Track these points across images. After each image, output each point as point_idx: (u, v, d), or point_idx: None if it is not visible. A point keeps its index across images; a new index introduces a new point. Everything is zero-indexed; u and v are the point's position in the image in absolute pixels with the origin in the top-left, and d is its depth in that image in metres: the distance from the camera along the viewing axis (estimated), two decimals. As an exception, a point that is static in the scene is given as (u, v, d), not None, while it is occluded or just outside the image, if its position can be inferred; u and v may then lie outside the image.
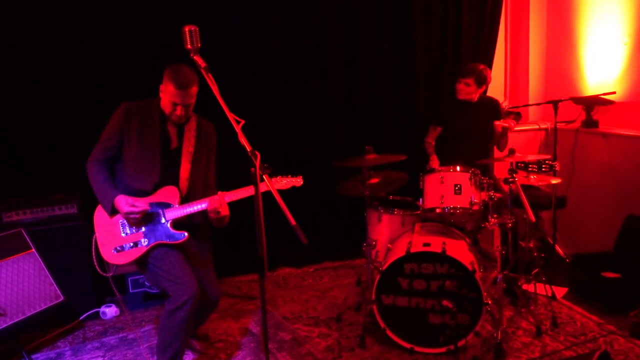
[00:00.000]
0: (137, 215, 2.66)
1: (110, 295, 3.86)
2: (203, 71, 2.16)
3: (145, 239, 2.70)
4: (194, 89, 2.67)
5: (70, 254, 3.54)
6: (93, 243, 2.74)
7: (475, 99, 3.95)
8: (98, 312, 3.68)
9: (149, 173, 2.73)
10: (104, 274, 2.81)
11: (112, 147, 2.75)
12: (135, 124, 2.72)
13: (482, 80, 3.89)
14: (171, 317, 2.61)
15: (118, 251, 2.70)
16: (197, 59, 2.19)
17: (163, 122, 2.77)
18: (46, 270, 3.33)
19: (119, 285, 3.75)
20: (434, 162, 4.00)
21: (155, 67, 3.00)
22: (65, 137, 3.76)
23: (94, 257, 2.73)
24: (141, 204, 2.66)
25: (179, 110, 2.68)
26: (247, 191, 2.70)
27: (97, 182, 2.72)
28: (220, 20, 4.02)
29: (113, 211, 2.69)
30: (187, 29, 2.20)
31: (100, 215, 2.77)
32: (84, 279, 3.61)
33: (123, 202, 2.64)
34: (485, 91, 4.79)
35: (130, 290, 3.77)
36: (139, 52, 3.81)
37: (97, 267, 2.76)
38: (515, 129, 4.84)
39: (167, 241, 2.71)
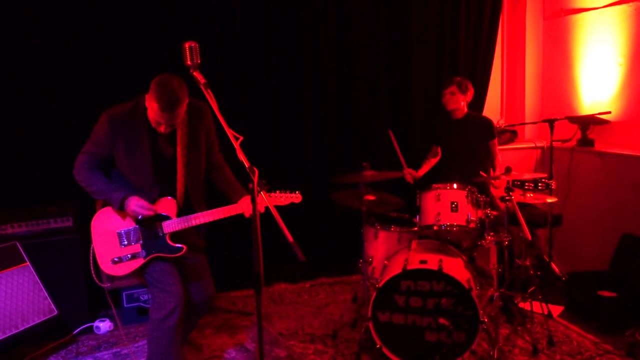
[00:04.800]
0: (145, 212, 2.59)
1: (105, 310, 3.84)
2: (202, 87, 2.17)
3: (143, 251, 2.67)
4: (181, 110, 2.51)
5: (65, 267, 3.52)
6: (91, 253, 2.70)
7: (465, 110, 3.97)
8: (92, 326, 3.65)
9: (147, 191, 2.65)
10: (101, 284, 2.79)
11: (102, 158, 2.65)
12: (122, 139, 2.58)
13: (465, 88, 3.93)
14: (160, 326, 2.60)
15: (116, 262, 2.67)
16: (197, 75, 2.20)
17: (151, 132, 2.60)
18: (40, 284, 3.31)
19: (113, 300, 3.73)
20: (420, 171, 4.05)
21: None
22: (61, 148, 3.76)
23: (91, 267, 2.69)
24: (150, 209, 2.60)
25: (163, 128, 2.55)
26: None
27: (100, 182, 2.63)
28: (214, 31, 4.06)
29: (122, 206, 2.61)
30: (187, 45, 2.21)
31: (98, 225, 2.72)
32: (78, 293, 3.59)
33: (135, 199, 2.57)
34: (482, 110, 4.87)
35: (125, 305, 3.74)
36: (139, 62, 3.83)
37: (94, 277, 2.73)
38: (512, 147, 4.90)
39: (165, 254, 2.68)
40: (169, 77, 2.48)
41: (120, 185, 2.64)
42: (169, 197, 2.69)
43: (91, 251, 2.70)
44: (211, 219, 2.68)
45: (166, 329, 2.59)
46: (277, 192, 2.77)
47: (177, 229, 2.68)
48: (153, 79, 2.50)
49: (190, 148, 2.69)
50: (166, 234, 2.68)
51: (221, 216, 2.68)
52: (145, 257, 2.67)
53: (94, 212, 2.94)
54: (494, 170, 4.02)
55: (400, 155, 3.91)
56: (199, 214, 2.68)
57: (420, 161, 4.19)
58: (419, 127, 4.71)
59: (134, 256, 2.67)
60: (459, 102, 3.94)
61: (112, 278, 2.76)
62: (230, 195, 2.80)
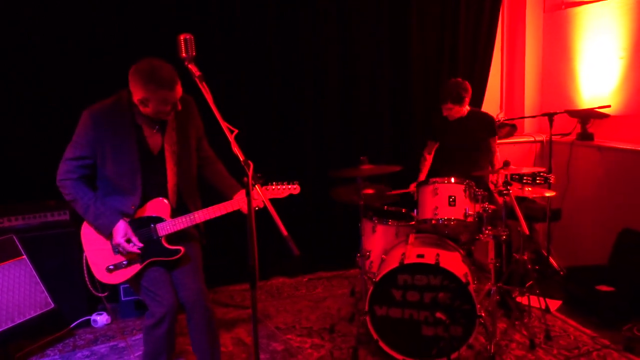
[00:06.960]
0: (124, 251, 2.49)
1: (102, 303, 3.84)
2: (197, 80, 2.15)
3: (139, 257, 2.54)
4: (179, 83, 2.38)
5: (62, 260, 3.52)
6: (84, 262, 2.56)
7: (465, 113, 3.92)
8: (89, 320, 3.65)
9: (130, 194, 2.49)
10: (98, 295, 2.66)
11: (87, 165, 2.47)
12: (108, 136, 2.42)
13: (460, 97, 3.79)
14: (151, 333, 2.52)
15: (111, 270, 2.53)
16: (192, 67, 2.18)
17: (138, 128, 2.47)
18: (37, 277, 3.30)
19: (111, 293, 3.73)
20: (421, 178, 4.02)
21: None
22: (61, 148, 3.72)
23: (86, 277, 2.60)
24: (136, 245, 2.49)
25: (168, 109, 2.40)
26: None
27: (86, 202, 2.46)
28: (215, 31, 4.03)
29: (110, 235, 2.50)
30: (182, 37, 2.18)
31: (88, 232, 2.56)
32: (75, 286, 3.57)
33: (122, 231, 2.46)
34: (481, 103, 4.84)
35: (122, 298, 3.74)
36: (136, 58, 3.81)
37: (90, 287, 2.61)
38: (511, 140, 4.88)
39: (162, 258, 2.55)
40: (146, 59, 2.36)
41: (107, 208, 2.48)
42: (161, 198, 2.54)
43: (84, 260, 2.57)
44: (207, 217, 2.56)
45: (157, 337, 2.51)
46: (274, 183, 2.66)
47: (172, 230, 2.54)
48: (129, 72, 2.37)
49: (179, 144, 2.55)
50: (161, 236, 2.54)
51: (217, 214, 2.56)
52: (142, 263, 2.54)
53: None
54: (493, 168, 3.98)
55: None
56: (194, 213, 2.55)
57: (419, 160, 4.18)
58: (419, 126, 4.69)
59: (130, 262, 2.54)
60: (459, 112, 3.86)
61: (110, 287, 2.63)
62: (224, 191, 2.69)
